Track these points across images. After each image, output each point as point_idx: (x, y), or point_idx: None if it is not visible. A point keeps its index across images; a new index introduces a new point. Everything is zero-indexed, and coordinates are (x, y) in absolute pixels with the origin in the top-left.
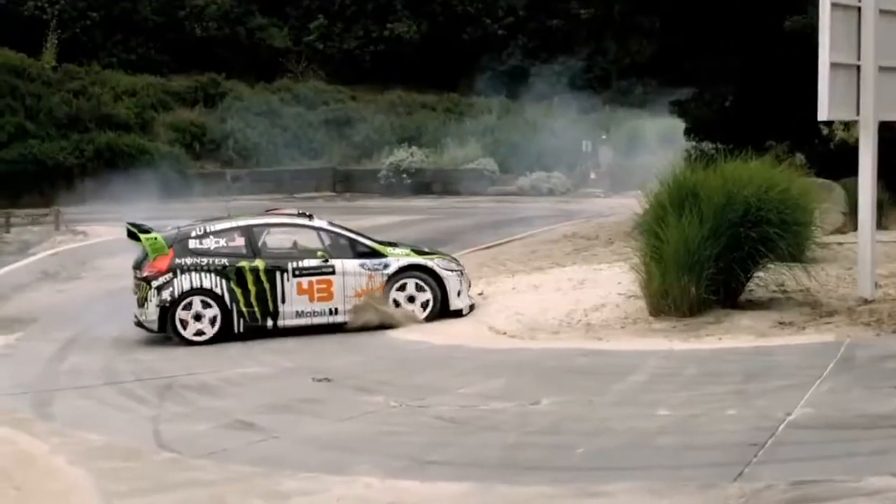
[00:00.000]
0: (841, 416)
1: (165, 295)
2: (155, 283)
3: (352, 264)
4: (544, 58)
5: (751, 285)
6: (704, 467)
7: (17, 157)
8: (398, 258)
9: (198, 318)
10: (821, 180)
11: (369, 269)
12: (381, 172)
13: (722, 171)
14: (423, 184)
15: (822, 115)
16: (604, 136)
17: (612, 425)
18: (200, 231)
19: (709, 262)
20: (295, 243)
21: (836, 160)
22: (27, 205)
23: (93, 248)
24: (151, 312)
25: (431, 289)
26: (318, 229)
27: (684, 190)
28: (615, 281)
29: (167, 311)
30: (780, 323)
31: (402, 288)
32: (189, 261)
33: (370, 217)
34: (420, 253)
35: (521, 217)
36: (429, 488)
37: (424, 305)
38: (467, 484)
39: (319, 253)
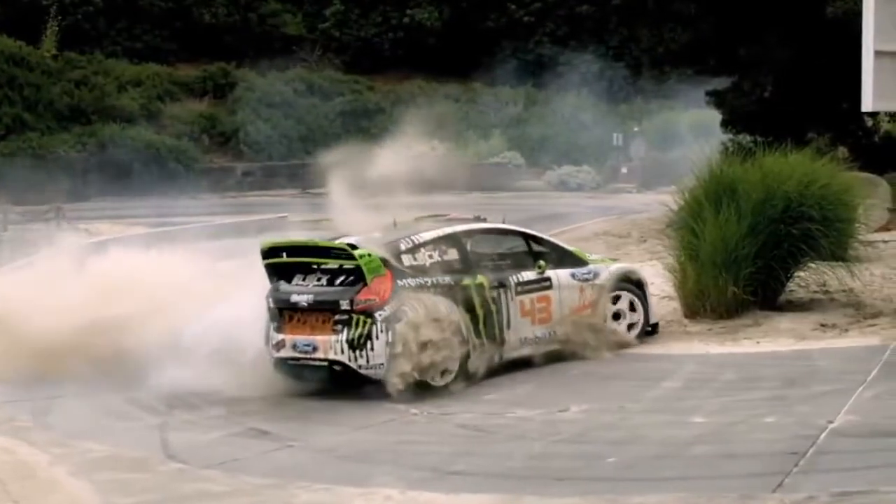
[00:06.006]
0: (886, 423)
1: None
2: (381, 315)
3: (565, 275)
4: (573, 46)
5: (791, 285)
6: (742, 478)
7: (15, 151)
8: (605, 265)
9: None
10: (865, 175)
11: (580, 279)
12: None
13: (761, 164)
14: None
15: (866, 105)
16: (636, 129)
17: (645, 434)
18: (410, 243)
19: (747, 261)
20: (499, 254)
21: (881, 153)
22: (26, 201)
23: (96, 247)
24: (379, 355)
25: (641, 301)
26: (525, 235)
27: (721, 185)
28: (648, 281)
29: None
30: (822, 325)
31: (615, 301)
32: (412, 282)
33: (391, 214)
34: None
35: (548, 214)
36: (452, 500)
37: (632, 323)
38: (493, 495)
39: (541, 263)
